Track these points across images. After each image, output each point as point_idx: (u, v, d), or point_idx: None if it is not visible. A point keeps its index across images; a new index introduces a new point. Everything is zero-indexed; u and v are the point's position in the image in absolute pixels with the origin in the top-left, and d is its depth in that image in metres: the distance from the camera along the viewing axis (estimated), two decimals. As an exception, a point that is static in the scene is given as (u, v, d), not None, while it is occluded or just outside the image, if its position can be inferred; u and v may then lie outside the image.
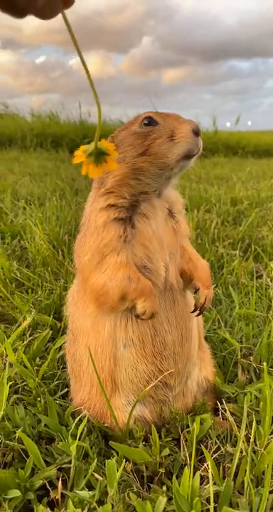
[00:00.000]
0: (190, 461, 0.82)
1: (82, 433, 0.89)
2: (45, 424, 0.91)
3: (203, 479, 0.81)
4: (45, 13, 0.48)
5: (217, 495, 0.76)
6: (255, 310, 1.43)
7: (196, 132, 0.85)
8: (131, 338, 0.87)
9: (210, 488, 0.69)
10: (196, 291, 0.95)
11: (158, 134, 0.85)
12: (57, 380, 1.07)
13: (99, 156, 0.61)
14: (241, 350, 1.21)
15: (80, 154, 0.62)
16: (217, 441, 0.91)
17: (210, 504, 0.68)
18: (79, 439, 0.86)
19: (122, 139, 0.89)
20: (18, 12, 0.45)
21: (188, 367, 0.95)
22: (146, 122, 0.87)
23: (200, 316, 1.04)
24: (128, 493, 0.72)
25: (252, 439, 0.80)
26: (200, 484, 0.78)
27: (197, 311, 0.94)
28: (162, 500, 0.69)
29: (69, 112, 8.75)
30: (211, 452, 0.87)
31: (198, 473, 0.75)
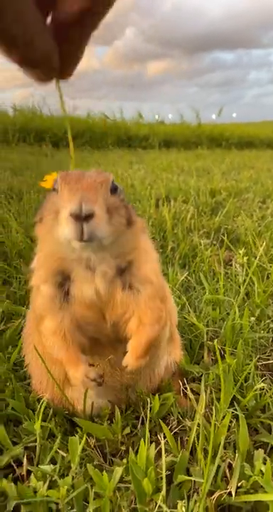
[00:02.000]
0: (150, 434, 0.87)
1: (48, 414, 0.93)
2: (13, 408, 0.95)
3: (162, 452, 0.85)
4: (36, 74, 0.43)
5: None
6: (224, 295, 1.49)
7: (76, 216, 0.66)
8: None
9: (163, 457, 0.74)
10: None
11: (49, 207, 0.74)
12: (26, 367, 1.10)
13: None
14: (207, 334, 1.26)
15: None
16: (180, 418, 0.96)
17: (164, 472, 0.73)
18: (44, 421, 0.90)
19: None
20: (14, 55, 0.39)
21: (151, 369, 0.97)
22: (53, 187, 0.76)
23: (174, 312, 1.07)
24: (86, 466, 0.76)
25: (204, 413, 0.85)
26: (160, 456, 0.83)
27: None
28: (118, 470, 0.73)
29: (53, 106, 8.70)
30: (172, 427, 0.92)
31: (153, 444, 0.79)
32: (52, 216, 0.72)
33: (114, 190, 0.75)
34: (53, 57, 0.42)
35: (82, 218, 0.66)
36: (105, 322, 0.83)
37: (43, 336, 0.83)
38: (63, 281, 0.80)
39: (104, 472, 0.73)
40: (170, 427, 0.93)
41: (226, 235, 2.10)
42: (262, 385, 0.95)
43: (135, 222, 0.80)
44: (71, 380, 0.82)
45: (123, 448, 0.87)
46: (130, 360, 0.82)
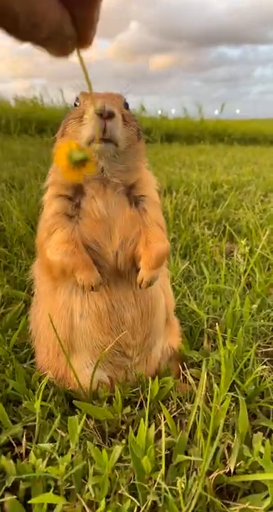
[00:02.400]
0: (149, 417, 0.87)
1: (48, 395, 0.93)
2: (13, 388, 0.95)
3: (161, 433, 0.85)
4: (51, 50, 0.39)
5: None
6: (225, 285, 1.48)
7: (101, 114, 0.76)
8: (87, 311, 0.88)
9: (163, 437, 0.74)
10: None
11: (73, 115, 0.84)
12: (26, 349, 1.10)
13: (79, 163, 0.60)
14: (207, 321, 1.26)
15: (62, 158, 0.61)
16: (179, 402, 0.96)
17: (164, 452, 0.73)
18: (44, 401, 0.90)
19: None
20: (19, 37, 0.36)
21: (149, 341, 0.97)
22: (74, 103, 0.88)
23: (171, 295, 1.06)
24: (86, 444, 0.76)
25: (203, 397, 0.85)
26: (159, 438, 0.83)
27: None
28: (118, 449, 0.74)
29: (54, 96, 8.67)
30: (171, 411, 0.92)
31: (153, 425, 0.79)
32: (76, 120, 0.82)
33: (126, 106, 0.86)
34: (64, 26, 0.37)
35: (105, 116, 0.75)
36: (111, 244, 0.86)
37: (50, 251, 0.85)
38: (74, 195, 0.87)
39: (104, 450, 0.73)
40: (170, 411, 0.93)
41: (228, 225, 2.10)
42: (262, 367, 0.95)
43: (142, 138, 0.90)
44: (83, 283, 0.83)
45: (123, 427, 0.87)
46: (144, 271, 0.86)
